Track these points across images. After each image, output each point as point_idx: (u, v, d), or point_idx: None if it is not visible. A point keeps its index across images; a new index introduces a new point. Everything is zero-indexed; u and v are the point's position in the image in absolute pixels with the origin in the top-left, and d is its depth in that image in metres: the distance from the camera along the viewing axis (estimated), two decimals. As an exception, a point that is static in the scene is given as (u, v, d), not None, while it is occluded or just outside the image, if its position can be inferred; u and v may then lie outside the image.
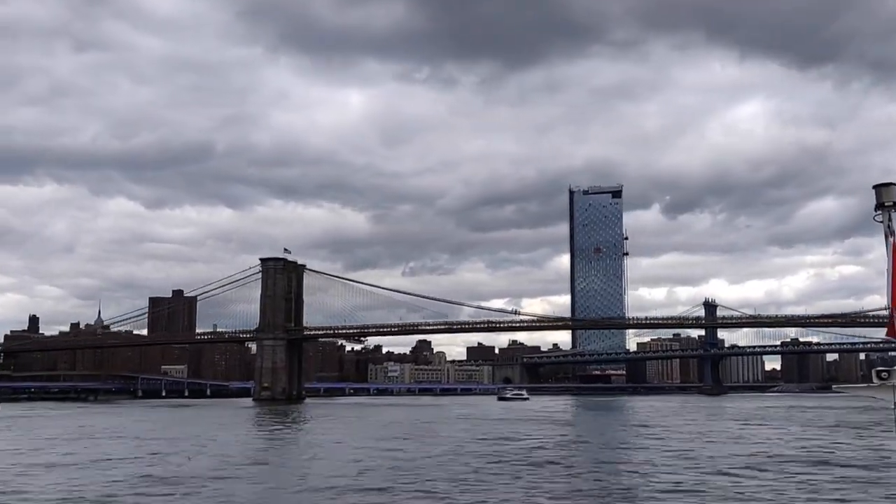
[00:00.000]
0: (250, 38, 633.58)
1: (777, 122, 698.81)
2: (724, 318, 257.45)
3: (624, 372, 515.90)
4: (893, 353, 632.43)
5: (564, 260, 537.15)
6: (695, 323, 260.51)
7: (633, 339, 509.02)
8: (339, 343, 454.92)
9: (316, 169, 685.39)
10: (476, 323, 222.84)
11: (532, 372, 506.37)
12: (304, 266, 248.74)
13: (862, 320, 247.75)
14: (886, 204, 9.17)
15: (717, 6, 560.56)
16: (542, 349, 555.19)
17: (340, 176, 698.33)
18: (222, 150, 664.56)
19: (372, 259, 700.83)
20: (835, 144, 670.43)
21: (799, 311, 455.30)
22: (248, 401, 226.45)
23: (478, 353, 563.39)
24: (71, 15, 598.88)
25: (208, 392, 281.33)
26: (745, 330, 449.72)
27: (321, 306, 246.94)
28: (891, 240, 8.92)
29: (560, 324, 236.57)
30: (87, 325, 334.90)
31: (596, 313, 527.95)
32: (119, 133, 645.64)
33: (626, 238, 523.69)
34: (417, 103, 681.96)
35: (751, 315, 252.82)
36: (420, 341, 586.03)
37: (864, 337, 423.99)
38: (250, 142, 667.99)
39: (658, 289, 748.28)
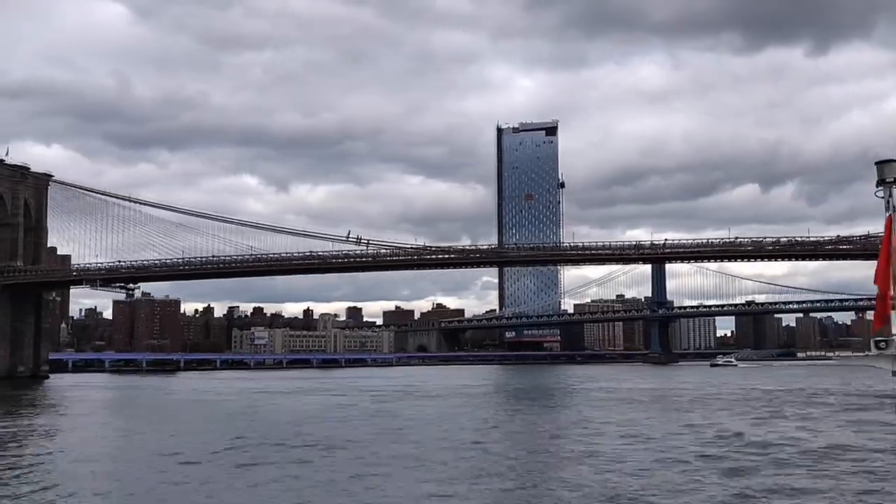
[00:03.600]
0: (520, 29, 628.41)
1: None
2: (673, 246, 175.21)
3: (559, 338, 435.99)
4: (844, 315, 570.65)
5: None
6: (638, 255, 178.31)
7: (570, 301, 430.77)
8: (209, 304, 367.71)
9: (466, 148, 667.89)
10: (293, 257, 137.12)
11: (452, 339, 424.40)
12: (48, 177, 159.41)
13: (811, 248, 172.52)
14: (887, 180, 5.84)
15: None
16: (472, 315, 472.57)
17: (488, 154, 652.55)
18: (389, 132, 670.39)
19: (452, 234, 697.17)
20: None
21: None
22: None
23: (395, 318, 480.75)
24: (373, 13, 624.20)
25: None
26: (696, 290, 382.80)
27: (81, 238, 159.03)
28: (889, 213, 5.89)
29: (429, 259, 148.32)
30: None
31: (527, 278, 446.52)
32: (308, 114, 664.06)
33: (563, 185, 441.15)
34: (612, 85, 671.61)
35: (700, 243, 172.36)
36: (352, 309, 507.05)
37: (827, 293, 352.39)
38: (418, 125, 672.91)
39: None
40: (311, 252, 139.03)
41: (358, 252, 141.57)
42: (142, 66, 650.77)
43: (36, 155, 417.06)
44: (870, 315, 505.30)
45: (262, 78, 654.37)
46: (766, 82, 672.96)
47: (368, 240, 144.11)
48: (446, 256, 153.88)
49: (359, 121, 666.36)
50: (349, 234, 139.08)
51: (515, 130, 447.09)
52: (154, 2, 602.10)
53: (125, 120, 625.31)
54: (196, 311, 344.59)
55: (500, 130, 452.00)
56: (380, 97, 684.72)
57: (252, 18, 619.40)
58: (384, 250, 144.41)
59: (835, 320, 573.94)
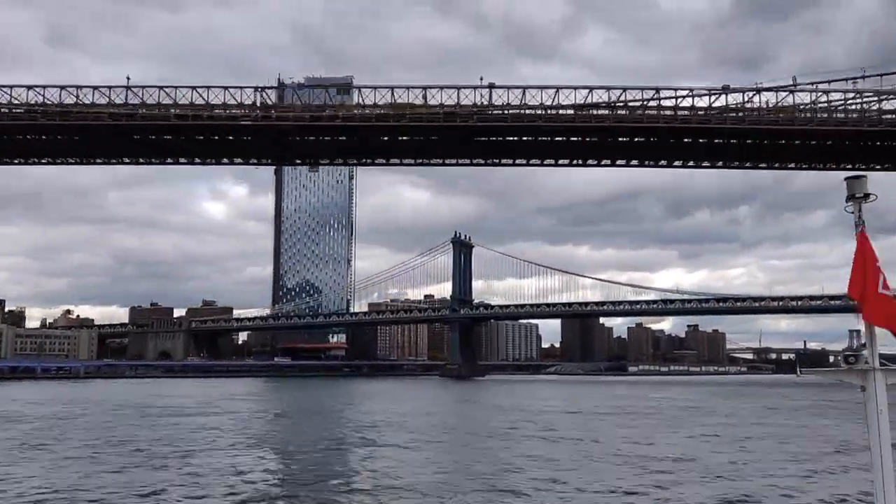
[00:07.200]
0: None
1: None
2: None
3: (347, 344, 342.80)
4: (678, 328, 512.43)
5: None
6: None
7: (363, 299, 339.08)
8: None
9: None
10: None
11: (209, 343, 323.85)
12: None
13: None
14: (857, 196, 8.63)
15: None
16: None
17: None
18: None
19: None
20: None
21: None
22: None
23: (146, 318, 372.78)
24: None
25: None
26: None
27: None
28: (859, 229, 8.73)
29: None
30: None
31: (309, 268, 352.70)
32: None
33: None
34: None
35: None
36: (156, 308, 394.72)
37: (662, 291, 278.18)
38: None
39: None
40: None
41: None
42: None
43: None
44: (704, 323, 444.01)
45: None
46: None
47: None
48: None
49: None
50: None
51: (301, 86, 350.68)
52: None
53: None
54: None
55: (282, 85, 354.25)
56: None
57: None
58: None
59: (667, 332, 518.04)
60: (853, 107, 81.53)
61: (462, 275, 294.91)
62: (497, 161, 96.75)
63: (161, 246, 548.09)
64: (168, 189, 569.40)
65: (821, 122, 79.93)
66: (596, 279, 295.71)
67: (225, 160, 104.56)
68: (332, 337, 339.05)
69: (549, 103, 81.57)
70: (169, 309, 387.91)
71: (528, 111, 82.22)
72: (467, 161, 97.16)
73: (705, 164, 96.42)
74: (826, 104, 78.92)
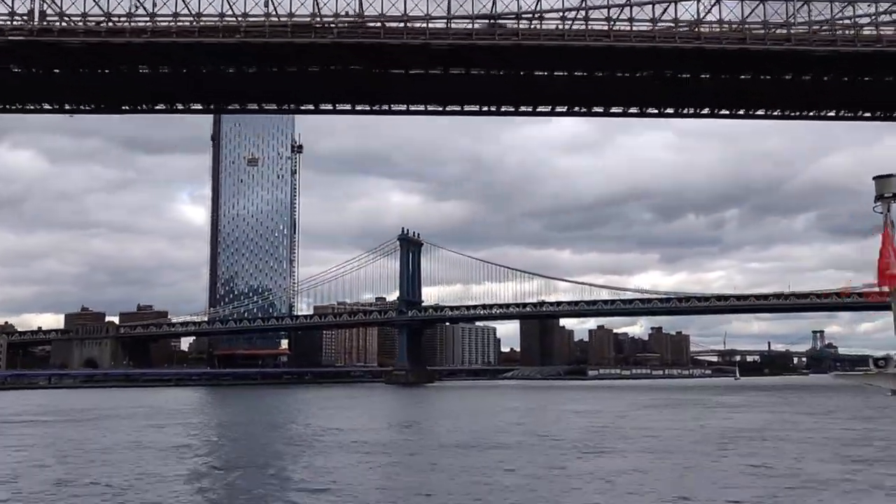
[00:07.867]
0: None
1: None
2: None
3: (289, 349, 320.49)
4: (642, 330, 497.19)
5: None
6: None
7: (309, 301, 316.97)
8: None
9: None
10: None
11: (140, 350, 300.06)
12: None
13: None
14: (886, 195, 7.66)
15: None
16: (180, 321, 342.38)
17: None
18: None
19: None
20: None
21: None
22: None
23: (76, 324, 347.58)
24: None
25: None
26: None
27: None
28: (887, 227, 8.44)
29: None
30: None
31: (248, 259, 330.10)
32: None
33: (300, 148, 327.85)
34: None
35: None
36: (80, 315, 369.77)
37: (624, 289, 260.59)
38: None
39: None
40: None
41: None
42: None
43: None
44: (669, 326, 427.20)
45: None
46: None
47: None
48: None
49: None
50: None
51: None
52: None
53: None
54: None
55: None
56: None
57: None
58: None
59: (630, 335, 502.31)
60: (843, 22, 62.77)
61: (410, 275, 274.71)
62: (386, 108, 76.37)
63: (136, 251, 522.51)
64: (150, 192, 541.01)
65: (800, 40, 60.66)
66: (567, 280, 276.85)
67: (31, 105, 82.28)
68: (278, 342, 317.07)
69: (439, 15, 62.12)
70: (100, 314, 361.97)
71: (410, 24, 61.87)
72: (347, 107, 76.71)
73: (651, 109, 77.06)
74: (806, 19, 60.57)
